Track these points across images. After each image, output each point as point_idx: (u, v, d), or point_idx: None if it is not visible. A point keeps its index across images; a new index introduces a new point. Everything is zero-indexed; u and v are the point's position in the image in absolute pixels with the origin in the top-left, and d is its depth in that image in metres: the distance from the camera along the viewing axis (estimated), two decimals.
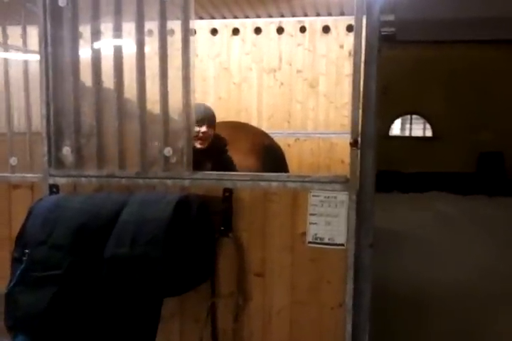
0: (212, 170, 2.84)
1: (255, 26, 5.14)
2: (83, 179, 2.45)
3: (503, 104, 11.09)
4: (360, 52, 2.21)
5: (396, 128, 12.45)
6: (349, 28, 4.95)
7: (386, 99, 11.51)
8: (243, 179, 2.33)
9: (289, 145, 5.04)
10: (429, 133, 12.07)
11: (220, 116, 4.83)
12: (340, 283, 2.28)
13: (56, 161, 2.47)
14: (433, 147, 11.51)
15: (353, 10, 2.26)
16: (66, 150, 2.45)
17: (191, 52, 2.37)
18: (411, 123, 12.25)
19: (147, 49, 2.40)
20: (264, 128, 5.00)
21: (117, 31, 2.42)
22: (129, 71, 2.42)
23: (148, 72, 2.39)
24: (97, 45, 2.44)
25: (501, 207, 8.77)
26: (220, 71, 5.24)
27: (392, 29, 5.39)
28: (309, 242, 2.30)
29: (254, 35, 5.16)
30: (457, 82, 11.22)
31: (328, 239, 2.29)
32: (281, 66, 5.18)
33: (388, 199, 8.31)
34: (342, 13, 4.98)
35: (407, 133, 12.34)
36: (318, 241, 2.29)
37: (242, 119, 5.04)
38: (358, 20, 2.24)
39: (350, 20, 4.78)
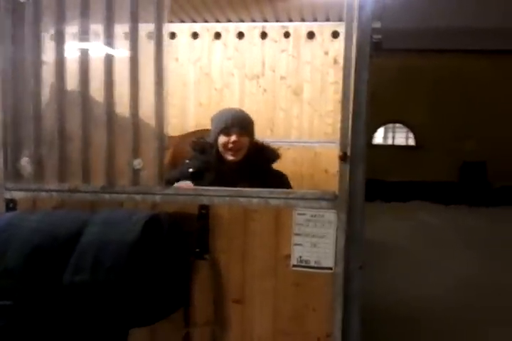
0: None
1: (238, 31, 4.88)
2: (43, 193, 2.18)
3: (488, 113, 11.05)
4: (351, 58, 2.02)
5: (379, 137, 12.33)
6: (334, 35, 4.74)
7: (370, 108, 11.39)
8: (221, 195, 2.09)
9: None
10: (412, 142, 11.97)
11: (201, 123, 4.55)
12: (327, 311, 2.05)
13: (13, 173, 2.20)
14: (416, 156, 11.41)
15: (339, 16, 2.11)
16: (25, 161, 2.18)
17: (165, 56, 2.13)
18: (394, 132, 12.15)
19: (120, 51, 2.16)
20: None
21: (84, 32, 2.17)
22: (97, 74, 2.17)
23: (118, 76, 2.15)
24: (62, 45, 2.19)
25: (483, 218, 8.70)
26: (200, 76, 4.96)
27: (379, 36, 5.21)
28: (293, 265, 2.07)
29: (237, 39, 4.89)
30: (441, 91, 11.15)
31: (315, 262, 2.05)
32: (265, 72, 4.92)
33: (371, 209, 8.15)
34: (327, 19, 4.76)
35: (389, 142, 12.23)
36: (304, 264, 2.06)
37: None
38: (349, 24, 2.05)
39: (336, 26, 4.59)
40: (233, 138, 2.60)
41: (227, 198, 2.08)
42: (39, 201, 2.20)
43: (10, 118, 2.18)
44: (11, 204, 2.20)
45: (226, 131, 2.61)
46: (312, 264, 2.05)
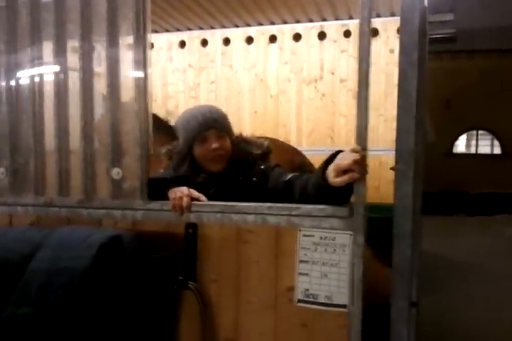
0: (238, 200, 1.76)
1: (294, 32, 4.51)
2: (19, 208, 1.88)
3: None
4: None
5: (461, 145, 11.25)
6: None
7: (449, 114, 10.47)
8: (211, 211, 1.67)
9: None
10: (497, 150, 10.80)
11: (257, 132, 4.18)
12: None
13: None
14: (502, 165, 10.24)
15: None
16: (1, 173, 1.90)
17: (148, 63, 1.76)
18: (477, 140, 11.01)
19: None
20: (305, 145, 4.34)
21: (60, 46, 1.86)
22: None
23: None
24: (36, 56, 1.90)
25: None
26: (255, 83, 4.64)
27: (453, 30, 4.58)
28: (299, 301, 1.59)
29: (293, 42, 4.52)
30: None
31: (325, 298, 1.56)
32: (323, 75, 4.49)
33: (452, 223, 7.30)
34: (392, 14, 4.26)
35: (473, 151, 11.11)
36: (311, 299, 1.57)
37: (280, 135, 4.39)
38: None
39: None
40: (214, 144, 1.97)
41: (218, 214, 1.65)
42: (15, 217, 1.90)
43: None
44: None
45: (202, 137, 1.98)
46: (322, 300, 1.56)
